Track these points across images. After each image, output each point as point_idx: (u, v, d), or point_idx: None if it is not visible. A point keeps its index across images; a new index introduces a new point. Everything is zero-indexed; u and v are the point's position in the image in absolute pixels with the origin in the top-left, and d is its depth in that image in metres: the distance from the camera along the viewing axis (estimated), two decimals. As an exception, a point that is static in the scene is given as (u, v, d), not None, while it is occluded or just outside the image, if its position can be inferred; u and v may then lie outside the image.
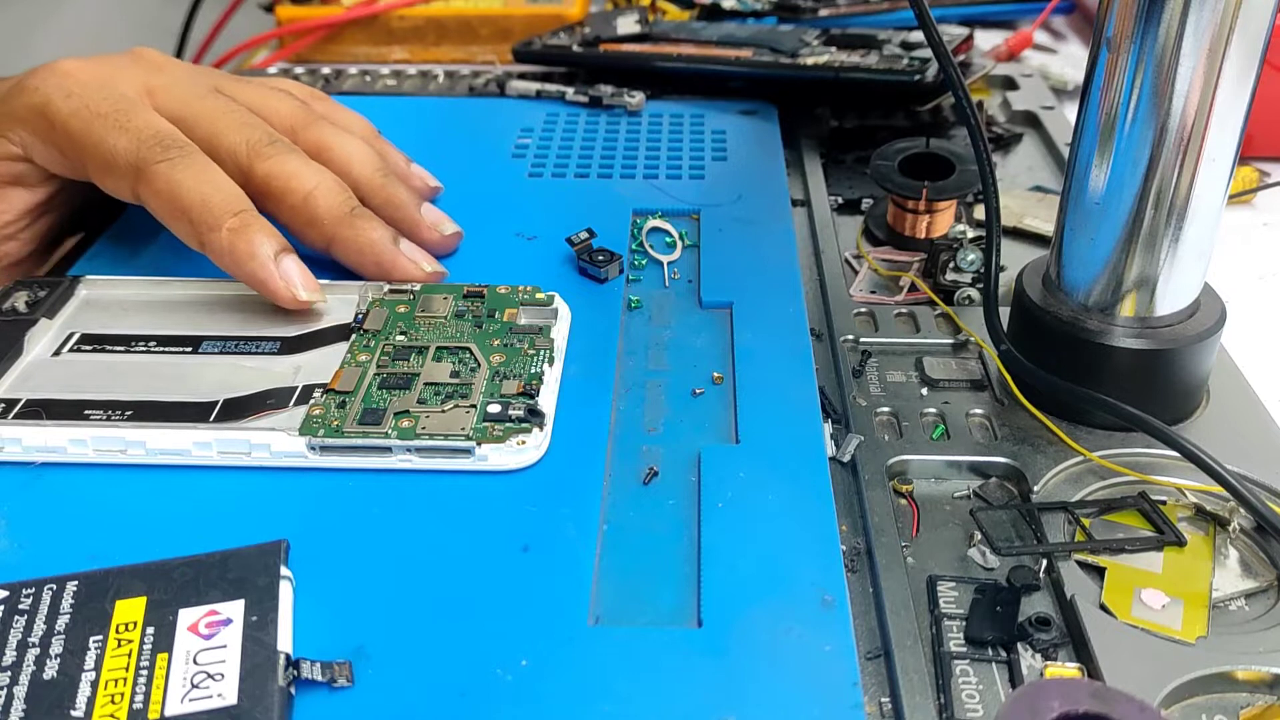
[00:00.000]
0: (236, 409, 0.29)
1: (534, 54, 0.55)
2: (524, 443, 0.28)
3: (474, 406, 0.29)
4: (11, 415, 0.29)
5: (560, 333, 0.32)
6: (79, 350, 0.32)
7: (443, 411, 0.28)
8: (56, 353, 0.31)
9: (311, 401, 0.29)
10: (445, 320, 0.32)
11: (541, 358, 0.31)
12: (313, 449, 0.28)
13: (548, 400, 0.29)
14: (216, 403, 0.29)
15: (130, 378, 0.30)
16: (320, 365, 0.31)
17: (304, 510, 0.27)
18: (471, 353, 0.31)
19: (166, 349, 0.32)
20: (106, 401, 0.29)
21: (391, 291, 0.34)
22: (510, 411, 0.28)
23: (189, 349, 0.31)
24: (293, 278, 0.32)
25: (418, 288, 0.34)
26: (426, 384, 0.29)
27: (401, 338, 0.31)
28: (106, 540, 0.26)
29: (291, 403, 0.29)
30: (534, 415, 0.28)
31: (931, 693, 0.24)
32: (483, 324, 0.32)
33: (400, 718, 0.22)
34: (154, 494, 0.28)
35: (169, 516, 0.27)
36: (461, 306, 0.33)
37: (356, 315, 0.33)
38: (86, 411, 0.29)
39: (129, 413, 0.29)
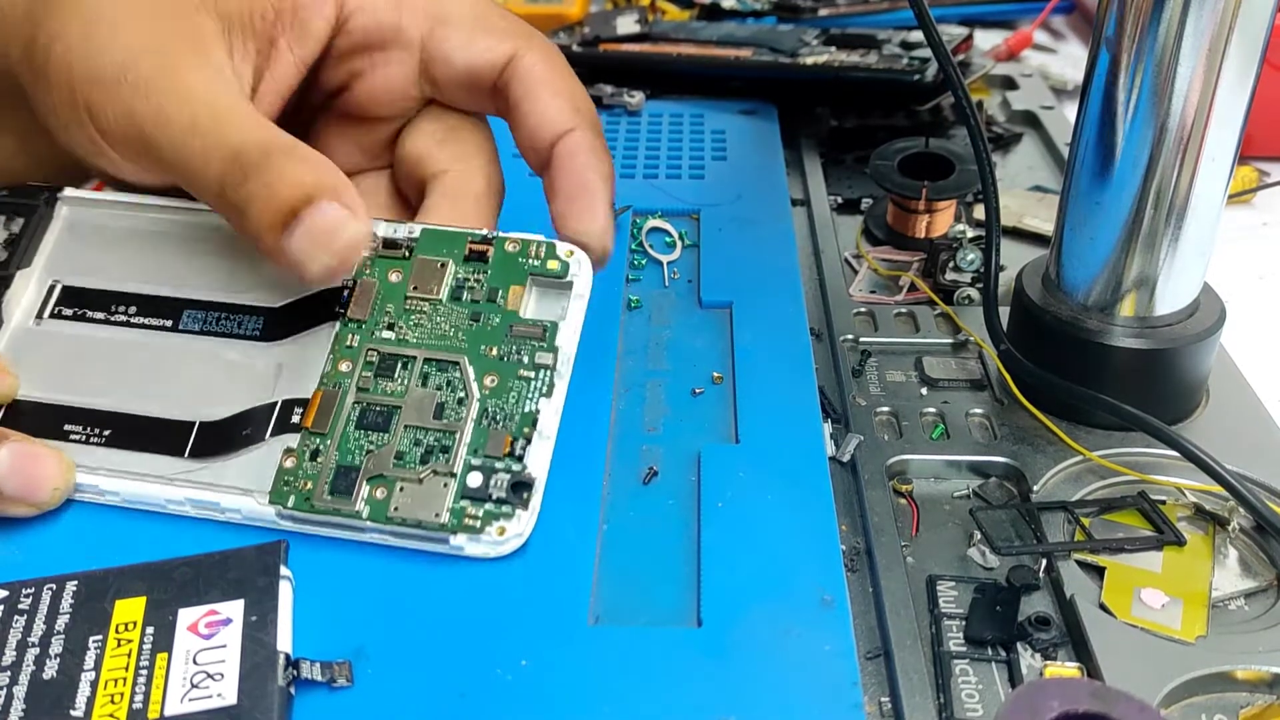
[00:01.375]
0: (212, 440, 0.28)
1: (534, 54, 0.55)
2: (504, 532, 0.25)
3: (453, 475, 0.26)
4: None
5: (569, 331, 0.28)
6: (60, 316, 0.30)
7: (418, 481, 0.26)
8: (39, 316, 0.30)
9: (285, 450, 0.27)
10: (441, 304, 0.28)
11: (540, 384, 0.27)
12: (284, 518, 0.26)
13: (540, 453, 0.26)
14: (193, 426, 0.28)
15: (110, 369, 0.29)
16: (302, 365, 0.28)
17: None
18: (461, 372, 0.27)
19: (147, 320, 0.30)
20: (86, 411, 0.28)
21: (386, 246, 0.29)
22: (492, 488, 0.26)
23: (169, 322, 0.29)
24: None
25: (416, 233, 0.29)
26: (407, 427, 0.27)
27: (388, 334, 0.28)
28: (105, 540, 0.26)
29: (268, 432, 0.27)
30: (518, 489, 0.26)
31: (931, 692, 0.24)
32: (480, 316, 0.28)
33: (400, 718, 0.22)
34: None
35: (166, 515, 0.27)
36: (460, 277, 0.29)
37: (344, 285, 0.29)
38: (67, 427, 0.28)
39: (107, 432, 0.28)
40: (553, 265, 0.28)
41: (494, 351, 0.28)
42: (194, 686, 0.22)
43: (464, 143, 0.32)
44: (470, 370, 0.27)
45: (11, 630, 0.23)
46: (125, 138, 0.28)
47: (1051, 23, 0.68)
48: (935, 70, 0.47)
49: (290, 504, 0.26)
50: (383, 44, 0.31)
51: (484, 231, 0.29)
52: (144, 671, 0.22)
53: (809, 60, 0.50)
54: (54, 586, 0.24)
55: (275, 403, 0.28)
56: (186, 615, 0.23)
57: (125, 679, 0.22)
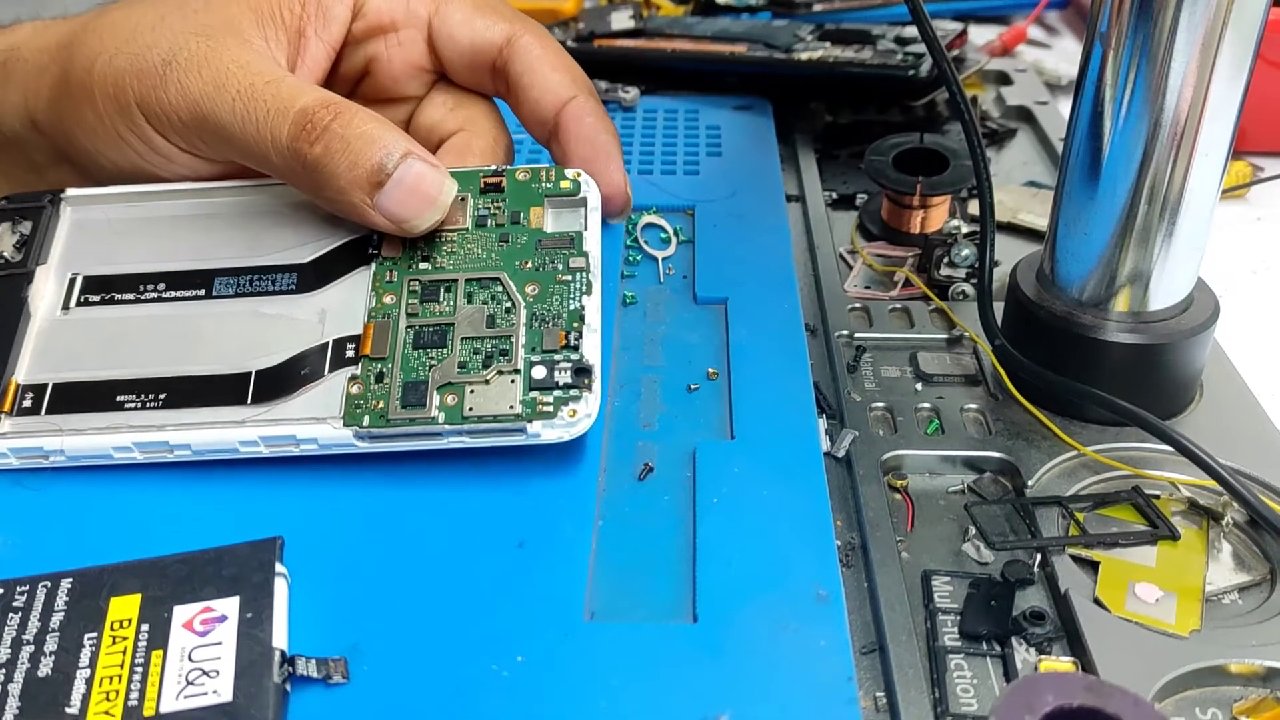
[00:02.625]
0: (272, 384, 0.28)
1: (528, 49, 0.55)
2: (575, 414, 0.27)
3: (518, 372, 0.27)
4: (44, 409, 0.28)
5: (593, 239, 0.30)
6: (87, 303, 0.30)
7: (486, 382, 0.27)
8: (65, 307, 0.30)
9: (349, 376, 0.27)
10: (468, 233, 0.30)
11: (579, 285, 0.29)
12: (361, 438, 0.27)
13: (592, 344, 0.28)
14: (249, 375, 0.28)
15: (151, 340, 0.29)
16: (345, 307, 0.29)
17: (299, 508, 0.27)
18: (503, 285, 0.29)
19: (178, 294, 0.30)
20: (137, 381, 0.28)
21: None
22: (557, 376, 0.27)
23: (201, 291, 0.30)
24: None
25: None
26: (463, 339, 0.28)
27: (425, 265, 0.29)
28: (100, 537, 0.26)
29: (326, 369, 0.28)
30: (581, 374, 0.27)
31: (926, 687, 0.24)
32: (509, 237, 0.30)
33: (397, 714, 0.22)
34: (147, 490, 0.28)
35: (162, 512, 0.27)
36: (482, 210, 0.30)
37: (371, 233, 0.30)
38: (120, 398, 0.28)
39: (163, 395, 0.28)
40: (565, 185, 0.30)
41: (529, 264, 0.29)
42: (189, 684, 0.22)
43: (472, 109, 0.34)
44: (511, 284, 0.29)
45: (6, 628, 0.23)
46: (181, 122, 0.30)
47: (1046, 18, 0.68)
48: (930, 66, 0.47)
49: (366, 423, 0.27)
50: (394, 24, 0.33)
51: (494, 167, 0.31)
52: (139, 669, 0.22)
53: (804, 56, 0.50)
54: (48, 584, 0.24)
55: (327, 342, 0.28)
56: (182, 612, 0.23)
57: (120, 676, 0.22)
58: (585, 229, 0.30)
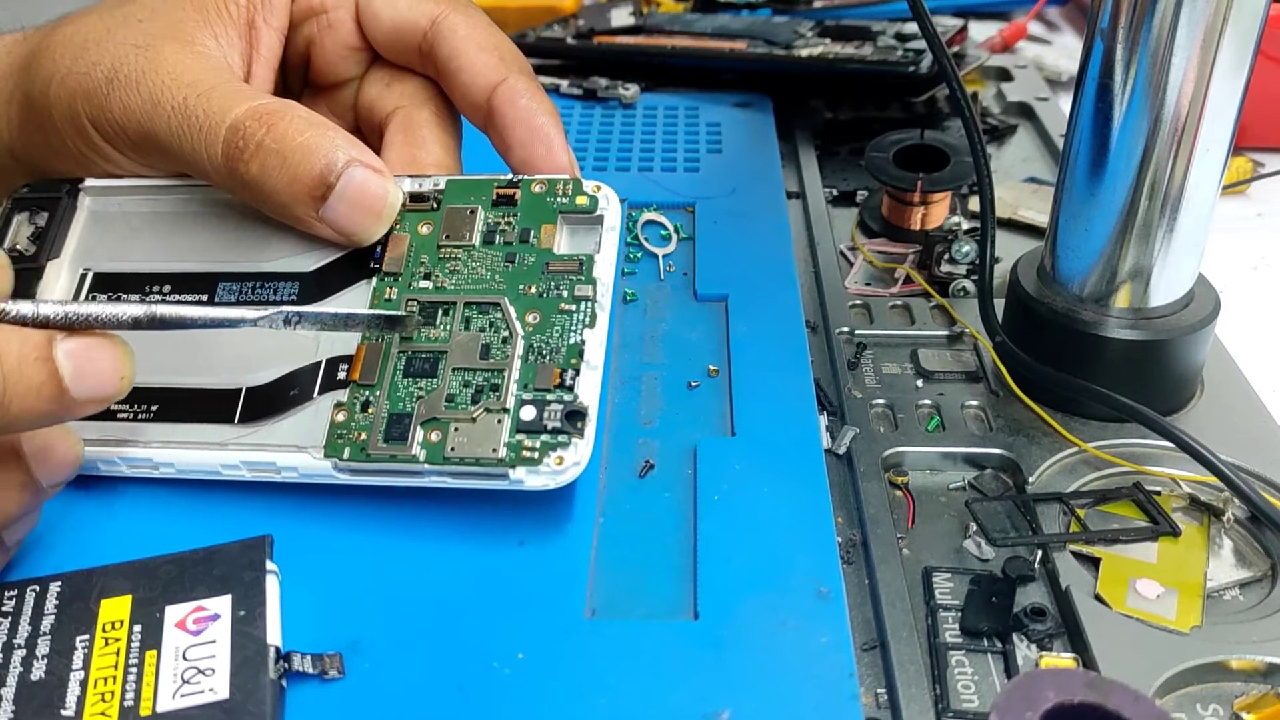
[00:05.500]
0: (260, 403, 0.28)
1: (528, 47, 0.55)
2: (561, 461, 0.25)
3: (506, 411, 0.26)
4: None
5: (605, 263, 0.28)
6: (95, 301, 0.30)
7: (472, 420, 0.26)
8: None
9: (335, 403, 0.27)
10: (474, 250, 0.29)
11: (582, 316, 0.27)
12: (340, 470, 0.26)
13: (589, 383, 0.26)
14: (239, 391, 0.28)
15: (151, 347, 0.28)
16: None
17: (299, 505, 0.27)
18: (503, 312, 0.27)
19: (182, 297, 0.30)
20: (132, 390, 0.27)
21: (414, 200, 0.30)
22: (546, 419, 0.26)
23: (204, 296, 0.29)
24: None
25: (442, 185, 0.30)
26: (455, 370, 0.27)
27: (426, 283, 0.28)
28: (88, 537, 0.26)
29: (315, 390, 0.27)
30: (572, 418, 0.25)
31: (927, 683, 0.24)
32: (515, 257, 0.28)
33: (398, 711, 0.22)
34: (135, 489, 0.28)
35: (150, 510, 0.27)
36: (491, 222, 0.29)
37: (375, 242, 0.29)
38: (113, 406, 0.27)
39: (154, 408, 0.28)
40: (581, 201, 0.29)
41: (533, 289, 0.28)
42: (185, 682, 0.22)
43: (408, 84, 0.33)
44: (511, 310, 0.27)
45: (-1, 630, 0.23)
46: (129, 139, 0.29)
47: (1046, 14, 0.68)
48: (930, 62, 0.47)
49: (346, 455, 0.26)
50: (323, 5, 0.32)
51: (509, 176, 0.30)
52: (134, 669, 0.22)
53: (804, 52, 0.50)
54: (37, 588, 0.24)
55: (320, 362, 0.28)
56: (174, 612, 0.23)
57: (115, 677, 0.22)
58: (598, 251, 0.28)
